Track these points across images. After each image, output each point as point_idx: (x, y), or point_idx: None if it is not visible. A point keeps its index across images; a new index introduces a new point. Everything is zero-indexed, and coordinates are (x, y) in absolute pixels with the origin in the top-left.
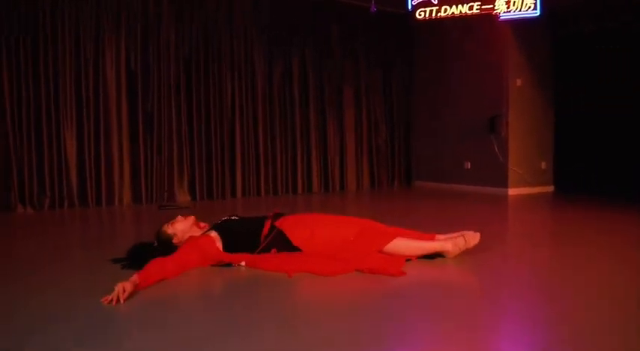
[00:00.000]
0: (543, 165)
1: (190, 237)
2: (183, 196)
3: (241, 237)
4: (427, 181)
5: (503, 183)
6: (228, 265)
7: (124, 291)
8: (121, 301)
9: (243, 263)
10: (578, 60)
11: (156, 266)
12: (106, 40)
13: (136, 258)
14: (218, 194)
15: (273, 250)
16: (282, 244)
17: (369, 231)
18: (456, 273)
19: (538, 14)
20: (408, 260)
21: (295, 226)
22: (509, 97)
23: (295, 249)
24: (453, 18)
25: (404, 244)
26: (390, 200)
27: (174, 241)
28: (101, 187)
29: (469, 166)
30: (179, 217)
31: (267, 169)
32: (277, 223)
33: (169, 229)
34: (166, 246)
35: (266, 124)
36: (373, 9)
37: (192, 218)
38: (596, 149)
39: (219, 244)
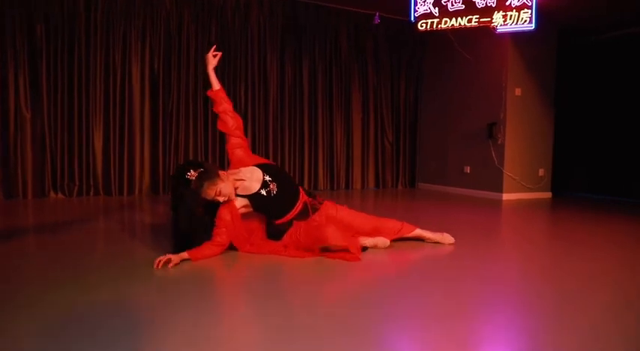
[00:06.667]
0: (541, 172)
1: (221, 212)
2: None
3: (274, 208)
4: (430, 184)
5: (499, 188)
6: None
7: (171, 261)
8: (169, 267)
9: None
10: (579, 69)
11: (206, 251)
12: (132, 46)
13: (189, 237)
14: None
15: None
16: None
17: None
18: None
19: (533, 28)
20: (364, 249)
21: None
22: (507, 105)
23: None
24: (453, 30)
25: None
26: (392, 199)
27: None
28: (123, 178)
29: (469, 171)
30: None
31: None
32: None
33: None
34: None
35: (276, 123)
36: (377, 20)
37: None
38: (597, 157)
39: (243, 209)
